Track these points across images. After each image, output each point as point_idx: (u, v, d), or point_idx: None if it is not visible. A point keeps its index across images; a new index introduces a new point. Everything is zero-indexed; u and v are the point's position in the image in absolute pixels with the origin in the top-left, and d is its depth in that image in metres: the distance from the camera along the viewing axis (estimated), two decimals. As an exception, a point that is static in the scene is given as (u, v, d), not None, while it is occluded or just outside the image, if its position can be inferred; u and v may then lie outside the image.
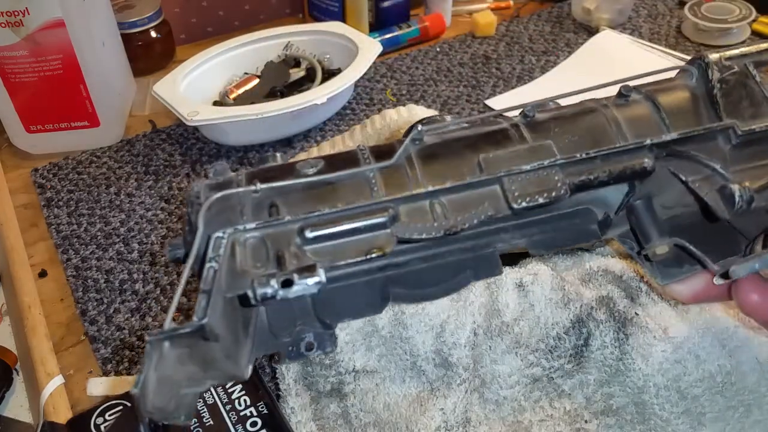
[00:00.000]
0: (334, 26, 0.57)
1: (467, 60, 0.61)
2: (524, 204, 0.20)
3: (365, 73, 0.51)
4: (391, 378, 0.31)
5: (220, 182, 0.21)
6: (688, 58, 0.66)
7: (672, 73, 0.24)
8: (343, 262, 0.20)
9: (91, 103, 0.48)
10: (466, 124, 0.23)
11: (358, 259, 0.20)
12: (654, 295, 0.33)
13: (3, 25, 0.43)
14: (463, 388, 0.30)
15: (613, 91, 0.24)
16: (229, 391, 0.30)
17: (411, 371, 0.31)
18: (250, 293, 0.18)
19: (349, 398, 0.30)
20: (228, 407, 0.29)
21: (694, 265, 0.24)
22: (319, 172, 0.21)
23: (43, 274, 0.41)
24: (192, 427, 0.28)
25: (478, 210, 0.20)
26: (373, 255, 0.20)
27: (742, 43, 0.60)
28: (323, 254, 0.20)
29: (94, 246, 0.43)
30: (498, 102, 0.55)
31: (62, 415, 0.32)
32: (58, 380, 0.34)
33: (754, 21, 0.61)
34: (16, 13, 0.43)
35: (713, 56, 0.23)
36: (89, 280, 0.41)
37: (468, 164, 0.21)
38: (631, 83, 0.23)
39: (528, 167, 0.21)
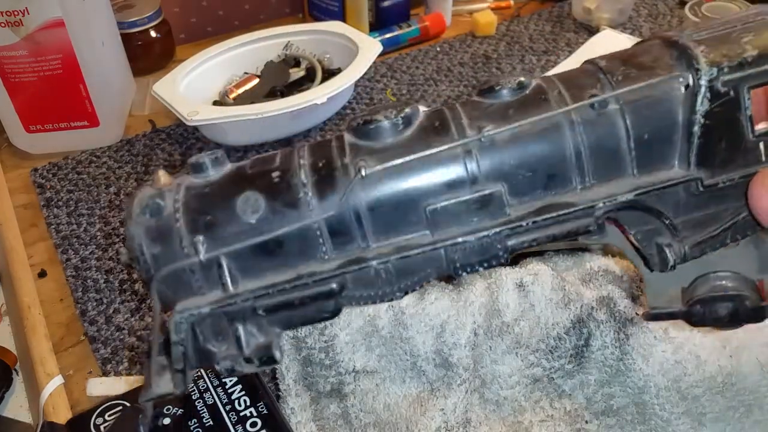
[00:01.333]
0: (334, 26, 0.57)
1: (467, 60, 0.61)
2: (464, 273, 0.21)
3: (365, 73, 0.51)
4: (392, 378, 0.31)
5: (160, 229, 0.21)
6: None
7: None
8: (291, 334, 0.22)
9: (91, 103, 0.48)
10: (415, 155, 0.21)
11: (309, 325, 0.22)
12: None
13: (3, 24, 0.43)
14: (464, 388, 0.30)
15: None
16: (229, 391, 0.30)
17: (411, 371, 0.31)
18: (217, 368, 0.21)
19: (349, 398, 0.30)
20: (228, 407, 0.29)
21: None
22: (262, 220, 0.21)
23: (42, 274, 0.41)
24: (192, 428, 0.28)
25: (420, 276, 0.21)
26: (324, 319, 0.21)
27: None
28: (276, 322, 0.21)
29: (94, 246, 0.43)
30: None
31: (62, 415, 0.32)
32: (58, 380, 0.34)
33: (754, 21, 0.61)
34: (15, 13, 0.43)
35: (708, 74, 0.19)
36: (89, 280, 0.40)
37: (414, 211, 0.21)
38: (613, 86, 0.21)
39: (472, 238, 0.20)
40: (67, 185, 0.48)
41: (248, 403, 0.29)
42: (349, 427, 0.30)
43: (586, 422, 0.29)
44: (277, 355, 0.21)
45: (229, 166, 0.23)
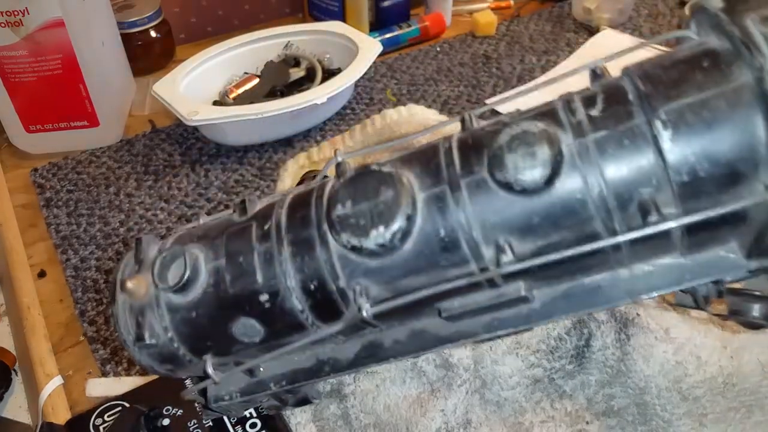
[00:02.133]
0: (334, 26, 0.56)
1: (467, 60, 0.61)
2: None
3: (365, 73, 0.51)
4: (392, 379, 0.30)
5: (162, 350, 0.20)
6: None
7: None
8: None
9: (91, 103, 0.48)
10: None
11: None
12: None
13: (3, 24, 0.43)
14: (464, 389, 0.30)
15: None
16: (229, 392, 0.29)
17: (411, 372, 0.31)
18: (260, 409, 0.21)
19: (349, 399, 0.30)
20: (227, 408, 0.29)
21: None
22: (265, 340, 0.19)
23: (42, 274, 0.41)
24: (191, 429, 0.28)
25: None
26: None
27: None
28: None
29: (94, 246, 0.43)
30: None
31: (61, 416, 0.32)
32: (57, 381, 0.34)
33: (755, 21, 0.60)
34: (15, 13, 0.43)
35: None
36: (88, 281, 0.40)
37: (430, 313, 0.18)
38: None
39: (492, 336, 0.18)
40: (67, 185, 0.48)
41: (248, 404, 0.29)
42: (349, 427, 0.29)
43: (587, 423, 0.29)
44: (316, 397, 0.21)
45: (202, 279, 0.19)
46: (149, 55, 0.59)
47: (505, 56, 0.61)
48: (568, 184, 0.16)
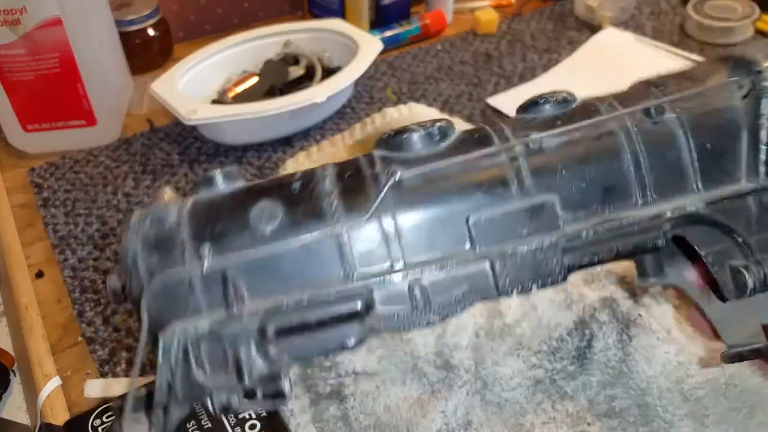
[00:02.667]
0: (334, 24, 0.56)
1: (468, 58, 0.60)
2: (514, 292, 0.18)
3: (365, 72, 0.51)
4: (392, 380, 0.30)
5: (160, 237, 0.18)
6: (693, 56, 0.64)
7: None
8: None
9: (89, 102, 0.48)
10: (454, 152, 0.19)
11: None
12: (657, 296, 0.32)
13: (0, 23, 0.43)
14: (465, 390, 0.30)
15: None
16: (228, 393, 0.29)
17: (412, 373, 0.31)
18: (209, 406, 0.17)
19: (349, 400, 0.30)
20: (226, 410, 0.29)
21: None
22: (278, 231, 0.18)
23: (40, 274, 0.41)
24: (190, 430, 0.28)
25: (461, 295, 0.18)
26: (347, 347, 0.18)
27: (744, 43, 0.60)
28: (288, 350, 0.18)
29: (92, 246, 0.43)
30: (500, 100, 0.54)
31: (59, 416, 0.32)
32: (56, 382, 0.34)
33: (757, 19, 0.60)
34: (13, 12, 0.43)
35: None
36: (86, 281, 0.40)
37: (455, 227, 0.18)
38: (667, 96, 0.19)
39: (524, 249, 0.18)
40: (65, 185, 0.47)
41: (247, 406, 0.29)
42: (349, 429, 0.29)
43: (589, 424, 0.29)
44: (287, 387, 0.17)
45: (242, 182, 0.20)
46: (147, 53, 0.59)
47: (506, 54, 0.61)
48: None
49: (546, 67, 0.59)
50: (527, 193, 0.18)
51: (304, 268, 0.18)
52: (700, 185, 0.19)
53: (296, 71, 0.54)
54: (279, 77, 0.54)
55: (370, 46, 0.52)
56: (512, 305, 0.31)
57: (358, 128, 0.49)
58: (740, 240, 0.19)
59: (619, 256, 0.18)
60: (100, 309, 0.38)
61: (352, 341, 0.18)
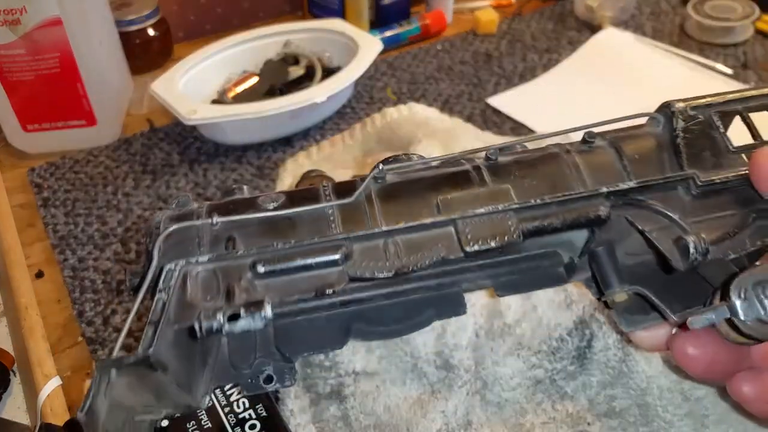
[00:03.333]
0: (334, 24, 0.56)
1: (469, 58, 0.60)
2: (476, 247, 0.20)
3: (365, 72, 0.51)
4: (392, 380, 0.30)
5: (181, 214, 0.21)
6: (693, 56, 0.65)
7: (641, 120, 0.25)
8: (292, 299, 0.20)
9: (89, 102, 0.48)
10: (429, 164, 0.23)
11: (308, 296, 0.20)
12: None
13: (0, 23, 0.43)
14: (465, 390, 0.30)
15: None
16: (228, 393, 0.29)
17: (412, 373, 0.31)
18: (196, 326, 0.19)
19: (349, 400, 0.30)
20: (227, 410, 0.29)
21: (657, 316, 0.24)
22: (279, 207, 0.21)
23: (39, 274, 0.41)
24: (190, 430, 0.28)
25: (431, 251, 0.20)
26: (325, 292, 0.20)
27: (744, 43, 0.60)
28: (274, 289, 0.20)
29: (92, 246, 0.43)
30: (500, 100, 0.54)
31: (60, 416, 0.32)
32: (56, 382, 0.34)
33: (757, 19, 0.60)
34: (13, 12, 0.43)
35: (679, 105, 0.23)
36: (86, 281, 0.40)
37: (426, 204, 0.21)
38: (596, 130, 0.24)
39: (482, 210, 0.21)
40: (65, 185, 0.47)
41: (247, 405, 0.29)
42: (349, 429, 0.29)
43: (589, 424, 0.29)
44: (269, 310, 0.19)
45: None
46: (147, 53, 0.59)
47: (506, 54, 0.61)
48: None
49: (546, 67, 0.59)
50: (486, 185, 0.22)
51: (298, 230, 0.21)
52: (632, 178, 0.22)
53: (296, 71, 0.54)
54: (279, 77, 0.54)
55: (370, 46, 0.52)
56: (512, 305, 0.31)
57: (358, 128, 0.49)
58: (676, 217, 0.21)
59: (568, 225, 0.21)
60: (100, 309, 0.38)
61: (331, 286, 0.20)
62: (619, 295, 0.23)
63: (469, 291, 0.24)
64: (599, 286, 0.24)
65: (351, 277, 0.20)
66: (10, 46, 0.44)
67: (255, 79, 0.54)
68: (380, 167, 0.22)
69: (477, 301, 0.31)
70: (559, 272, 0.24)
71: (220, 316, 0.19)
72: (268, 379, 0.21)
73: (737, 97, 0.24)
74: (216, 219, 0.20)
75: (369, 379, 0.30)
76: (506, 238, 0.20)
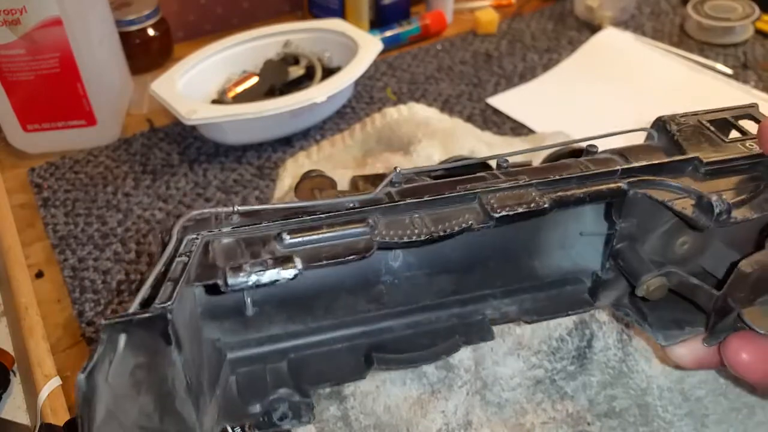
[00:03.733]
0: (334, 24, 0.56)
1: (469, 58, 0.60)
2: (504, 213, 0.20)
3: (365, 72, 0.51)
4: (392, 380, 0.30)
5: (197, 218, 0.20)
6: (693, 56, 0.65)
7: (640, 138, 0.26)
8: (322, 263, 0.19)
9: (89, 102, 0.48)
10: (444, 168, 0.24)
11: (337, 261, 0.19)
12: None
13: (0, 23, 0.43)
14: (465, 390, 0.30)
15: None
16: (228, 393, 0.29)
17: (412, 373, 0.31)
18: (220, 281, 0.17)
19: (348, 400, 0.30)
20: (226, 410, 0.29)
21: (696, 327, 0.24)
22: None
23: (39, 274, 0.41)
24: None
25: (458, 220, 0.20)
26: (352, 257, 0.19)
27: (744, 43, 0.60)
28: (300, 255, 0.19)
29: (92, 246, 0.43)
30: (500, 100, 0.54)
31: (60, 416, 0.32)
32: (56, 382, 0.34)
33: (757, 19, 0.60)
34: (13, 12, 0.43)
35: (669, 116, 0.25)
36: (86, 281, 0.40)
37: (447, 190, 0.22)
38: (597, 143, 0.25)
39: (505, 185, 0.21)
40: (65, 185, 0.47)
41: (247, 406, 0.29)
42: (348, 429, 0.29)
43: (589, 424, 0.29)
44: (299, 262, 0.18)
45: None
46: (147, 53, 0.59)
47: (506, 54, 0.61)
48: None
49: (546, 67, 0.59)
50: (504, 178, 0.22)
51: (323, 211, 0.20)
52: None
53: (296, 71, 0.54)
54: (279, 77, 0.53)
55: (370, 46, 0.52)
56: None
57: (358, 128, 0.49)
58: (692, 188, 0.21)
59: (590, 196, 0.21)
60: (100, 309, 0.38)
61: (357, 254, 0.19)
62: (653, 281, 0.22)
63: (494, 321, 0.24)
64: (631, 284, 0.23)
65: (380, 245, 0.19)
66: (10, 46, 0.44)
67: (255, 79, 0.54)
68: (397, 169, 0.22)
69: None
70: (585, 297, 0.24)
71: (246, 266, 0.17)
72: (283, 417, 0.20)
73: (721, 109, 0.25)
74: (236, 207, 0.20)
75: (369, 379, 0.30)
76: (533, 205, 0.20)
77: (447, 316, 0.23)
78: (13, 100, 0.47)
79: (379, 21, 0.63)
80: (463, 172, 0.23)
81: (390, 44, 0.61)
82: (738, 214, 0.21)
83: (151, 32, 0.58)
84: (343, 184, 0.36)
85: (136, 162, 0.49)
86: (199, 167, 0.49)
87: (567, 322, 0.31)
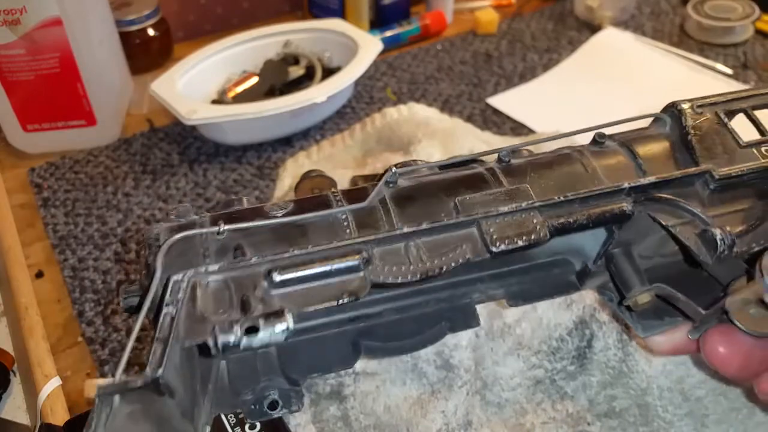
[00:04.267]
0: (334, 24, 0.56)
1: (469, 58, 0.60)
2: (503, 247, 0.19)
3: (365, 72, 0.51)
4: (392, 380, 0.30)
5: (182, 224, 0.20)
6: (692, 56, 0.65)
7: (646, 122, 0.25)
8: (313, 308, 0.19)
9: (88, 102, 0.48)
10: (439, 169, 0.23)
11: (330, 304, 0.19)
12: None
13: (0, 23, 0.43)
14: (465, 390, 0.30)
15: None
16: (228, 393, 0.29)
17: (412, 373, 0.31)
18: (210, 342, 0.17)
19: (349, 400, 0.30)
20: (226, 410, 0.29)
21: (675, 318, 0.24)
22: (288, 214, 0.20)
23: (39, 274, 0.41)
24: (190, 430, 0.28)
25: (455, 253, 0.19)
26: (345, 300, 0.19)
27: (744, 43, 0.60)
28: (292, 300, 0.19)
29: (91, 246, 0.42)
30: (500, 100, 0.54)
31: (59, 416, 0.32)
32: (56, 382, 0.34)
33: (757, 19, 0.60)
34: (13, 12, 0.43)
35: (685, 105, 0.24)
36: (86, 281, 0.40)
37: (444, 207, 0.21)
38: (605, 131, 0.24)
39: (506, 209, 0.20)
40: (65, 185, 0.47)
41: (247, 406, 0.29)
42: (348, 429, 0.29)
43: (588, 424, 0.29)
44: (290, 320, 0.17)
45: None
46: (147, 53, 0.59)
47: (506, 54, 0.61)
48: None
49: (546, 67, 0.59)
50: (503, 185, 0.22)
51: (311, 237, 0.20)
52: (648, 175, 0.22)
53: (296, 71, 0.54)
54: (279, 77, 0.53)
55: (370, 46, 0.52)
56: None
57: (358, 128, 0.49)
58: (698, 211, 0.21)
59: (594, 221, 0.21)
60: (100, 309, 0.38)
61: (352, 294, 0.19)
62: (642, 296, 0.22)
63: (480, 302, 0.23)
64: (619, 290, 0.23)
65: (374, 284, 0.19)
66: (10, 46, 0.44)
67: (255, 79, 0.54)
68: (393, 170, 0.21)
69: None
70: (571, 280, 0.23)
71: (237, 329, 0.17)
72: (273, 405, 0.20)
73: (740, 96, 0.24)
74: (223, 227, 0.19)
75: (369, 379, 0.30)
76: (533, 236, 0.20)
77: (434, 300, 0.22)
78: (13, 100, 0.47)
79: (379, 21, 0.63)
80: (463, 168, 0.23)
81: (390, 44, 0.61)
82: (740, 244, 0.20)
83: (151, 32, 0.58)
84: (343, 183, 0.36)
85: (136, 162, 0.49)
86: (199, 167, 0.49)
87: (567, 322, 0.31)
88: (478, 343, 0.31)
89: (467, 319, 0.23)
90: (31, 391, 0.37)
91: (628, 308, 0.24)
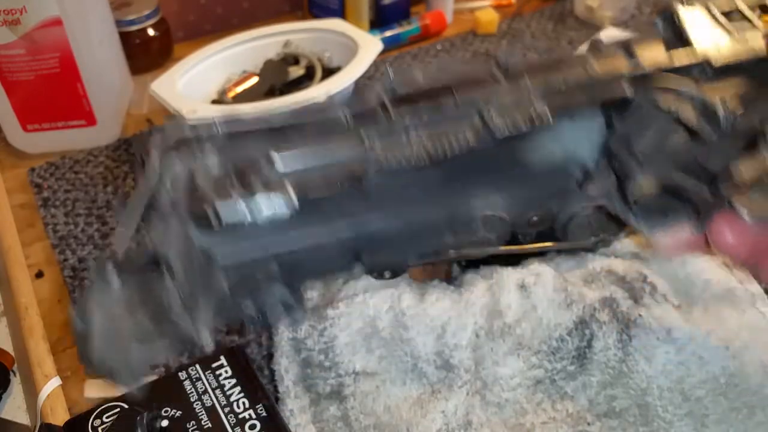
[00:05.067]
0: (334, 24, 0.56)
1: (469, 58, 0.60)
2: (507, 132, 0.19)
3: (365, 72, 0.51)
4: (392, 380, 0.30)
5: (177, 140, 0.19)
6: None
7: None
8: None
9: (89, 102, 0.48)
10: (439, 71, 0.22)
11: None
12: (658, 296, 0.32)
13: (0, 23, 0.43)
14: (465, 390, 0.30)
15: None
16: (228, 393, 0.29)
17: (412, 373, 0.31)
18: (212, 215, 0.16)
19: (349, 400, 0.30)
20: (226, 410, 0.29)
21: (678, 216, 0.23)
22: (287, 116, 0.20)
23: (39, 274, 0.41)
24: (190, 430, 0.28)
25: (458, 138, 0.19)
26: (347, 184, 0.18)
27: None
28: (293, 181, 0.18)
29: (92, 246, 0.42)
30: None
31: (59, 416, 0.32)
32: (56, 382, 0.34)
33: (757, 19, 0.60)
34: (13, 12, 0.43)
35: (677, 4, 0.24)
36: (86, 281, 0.40)
37: (444, 101, 0.20)
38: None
39: (506, 90, 0.20)
40: (65, 185, 0.47)
41: (247, 405, 0.29)
42: (348, 429, 0.29)
43: (589, 424, 0.29)
44: (292, 192, 0.17)
45: None
46: (147, 53, 0.59)
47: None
48: None
49: (546, 67, 0.59)
50: (501, 82, 0.21)
51: (310, 133, 0.19)
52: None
53: (296, 71, 0.54)
54: (279, 77, 0.53)
55: (370, 46, 0.52)
56: (512, 305, 0.31)
57: (358, 128, 0.49)
58: (697, 93, 0.21)
59: (593, 102, 0.21)
60: (100, 309, 0.38)
61: (353, 175, 0.18)
62: (646, 183, 0.22)
63: (482, 213, 0.23)
64: (622, 191, 0.23)
65: (377, 169, 0.19)
66: (10, 46, 0.44)
67: (255, 79, 0.54)
68: (390, 74, 0.21)
69: (477, 301, 0.31)
70: (572, 189, 0.23)
71: (241, 203, 0.16)
72: (275, 310, 0.20)
73: None
74: (218, 126, 0.18)
75: (369, 379, 0.30)
76: (536, 119, 0.19)
77: (435, 210, 0.22)
78: (13, 100, 0.47)
79: (379, 21, 0.63)
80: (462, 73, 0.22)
81: (390, 44, 0.61)
82: (742, 120, 0.20)
83: (151, 32, 0.58)
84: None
85: (136, 162, 0.49)
86: (199, 167, 0.49)
87: (567, 322, 0.31)
88: (478, 343, 0.31)
89: (471, 227, 0.22)
90: (31, 391, 0.37)
91: (632, 210, 0.23)
